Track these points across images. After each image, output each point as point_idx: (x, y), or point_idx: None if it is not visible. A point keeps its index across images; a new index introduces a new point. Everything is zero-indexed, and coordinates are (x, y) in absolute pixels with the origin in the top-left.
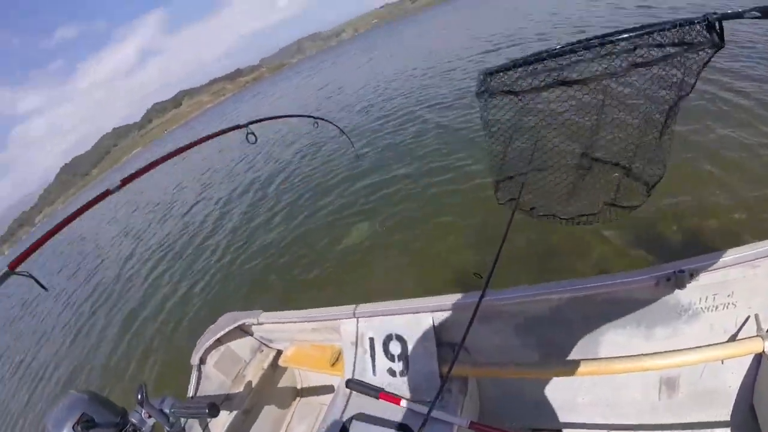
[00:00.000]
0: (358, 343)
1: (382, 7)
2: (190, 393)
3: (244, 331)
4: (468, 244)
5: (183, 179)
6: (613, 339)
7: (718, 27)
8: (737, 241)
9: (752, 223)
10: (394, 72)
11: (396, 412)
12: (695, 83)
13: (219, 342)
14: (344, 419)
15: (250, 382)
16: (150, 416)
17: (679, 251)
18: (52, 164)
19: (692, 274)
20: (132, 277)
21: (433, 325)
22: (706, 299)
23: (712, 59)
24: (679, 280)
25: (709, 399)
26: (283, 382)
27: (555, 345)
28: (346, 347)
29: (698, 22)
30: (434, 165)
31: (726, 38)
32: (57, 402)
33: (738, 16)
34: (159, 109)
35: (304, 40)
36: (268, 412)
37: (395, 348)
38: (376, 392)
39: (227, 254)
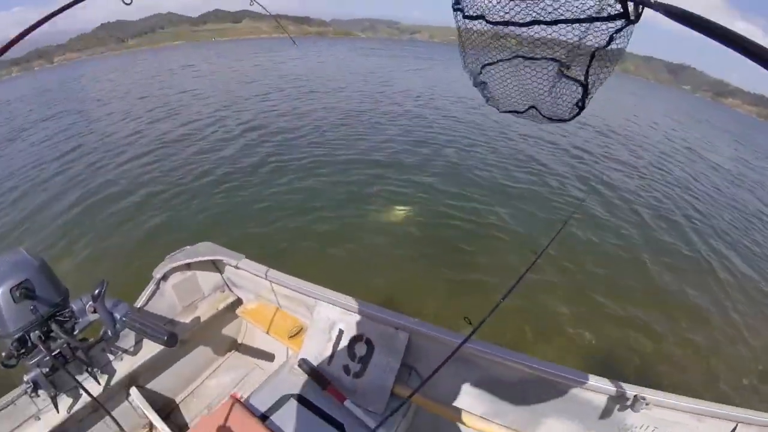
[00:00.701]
0: (326, 328)
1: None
2: (139, 304)
3: (216, 266)
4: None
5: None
6: (553, 425)
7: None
8: (699, 389)
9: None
10: (443, 90)
11: (335, 409)
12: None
13: (187, 267)
14: (283, 393)
15: (198, 317)
16: (95, 311)
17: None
18: (97, 18)
19: (648, 404)
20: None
21: (406, 345)
22: (647, 428)
23: None
24: (636, 405)
25: None
26: (228, 330)
27: (501, 408)
28: (313, 327)
29: None
30: None
31: None
32: (3, 255)
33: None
34: (219, 16)
35: (380, 21)
36: (202, 351)
37: (360, 349)
38: (325, 383)
39: (247, 187)
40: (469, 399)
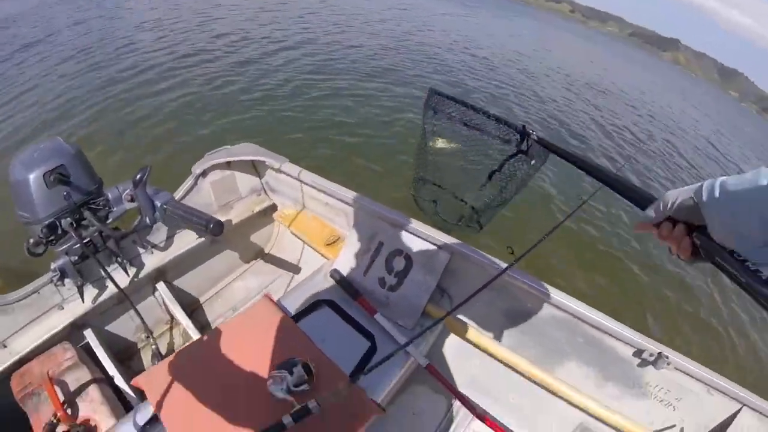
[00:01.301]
0: (366, 239)
1: None
2: (176, 197)
3: (256, 168)
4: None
5: None
6: (572, 368)
7: (528, 140)
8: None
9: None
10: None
11: (365, 320)
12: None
13: (227, 165)
14: (313, 299)
15: (232, 218)
16: (132, 200)
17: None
18: None
19: (669, 364)
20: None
21: (445, 266)
22: (660, 389)
23: None
24: (658, 363)
25: None
26: (260, 234)
27: (526, 341)
28: (352, 237)
29: (517, 130)
30: None
31: None
32: (38, 143)
33: (545, 146)
34: None
35: None
36: (232, 252)
37: (398, 264)
38: (357, 294)
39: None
40: (496, 328)
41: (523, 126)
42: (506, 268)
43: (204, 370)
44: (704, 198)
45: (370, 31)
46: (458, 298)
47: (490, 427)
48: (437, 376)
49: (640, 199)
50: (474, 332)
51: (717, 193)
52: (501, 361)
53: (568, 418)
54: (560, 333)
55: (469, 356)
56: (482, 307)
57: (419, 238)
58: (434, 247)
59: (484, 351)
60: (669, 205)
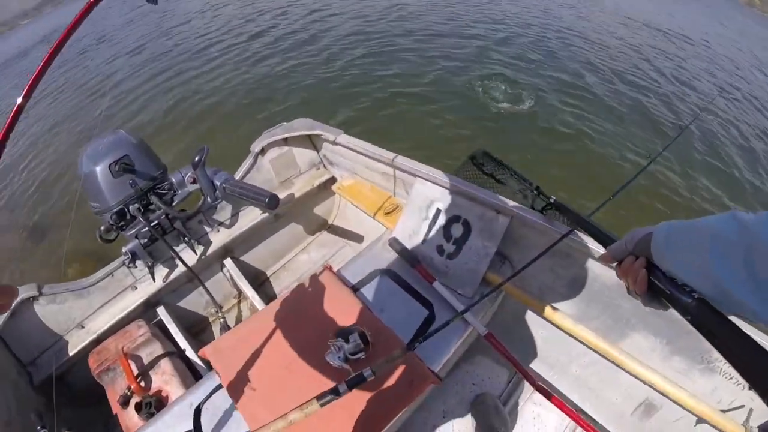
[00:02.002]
0: (423, 206)
1: None
2: (237, 177)
3: (312, 142)
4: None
5: None
6: (638, 339)
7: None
8: None
9: None
10: None
11: (424, 288)
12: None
13: (285, 141)
14: (374, 267)
15: (293, 193)
16: (194, 182)
17: None
18: None
19: None
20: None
21: (505, 231)
22: (730, 366)
23: None
24: None
25: None
26: (322, 207)
27: (590, 311)
28: (410, 206)
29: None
30: None
31: None
32: (102, 135)
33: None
34: None
35: None
36: (295, 226)
37: (456, 230)
38: (415, 261)
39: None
40: (559, 297)
41: (537, 186)
42: (568, 233)
43: (265, 340)
44: (656, 236)
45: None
46: (520, 264)
47: (552, 401)
48: (497, 346)
49: (606, 240)
50: (536, 301)
51: (661, 237)
52: (564, 331)
53: (633, 393)
54: (627, 303)
55: (532, 326)
56: (545, 274)
57: (477, 203)
58: (493, 212)
59: (547, 320)
60: (631, 239)
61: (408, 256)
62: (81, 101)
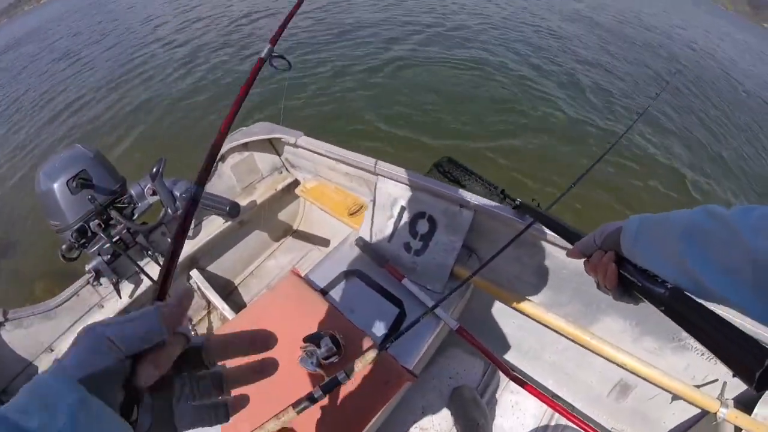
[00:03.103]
0: (388, 205)
1: None
2: None
3: (273, 145)
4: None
5: None
6: (608, 323)
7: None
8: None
9: None
10: None
11: (393, 286)
12: None
13: (245, 147)
14: (342, 269)
15: (256, 198)
16: (154, 193)
17: None
18: None
19: None
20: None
21: (470, 224)
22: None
23: None
24: None
25: (642, 421)
26: (286, 211)
27: (559, 298)
28: (375, 205)
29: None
30: None
31: None
32: (58, 152)
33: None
34: None
35: None
36: (261, 232)
37: (422, 227)
38: (383, 260)
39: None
40: (528, 287)
41: (503, 190)
42: (532, 222)
43: None
44: (626, 228)
45: None
46: (487, 256)
47: (527, 389)
48: (469, 338)
49: (573, 236)
50: (505, 292)
51: (632, 229)
52: (535, 320)
53: (607, 375)
54: (595, 288)
55: (502, 316)
56: (513, 265)
57: (440, 198)
58: (456, 207)
59: (517, 310)
60: (600, 234)
61: (375, 256)
62: (43, 117)
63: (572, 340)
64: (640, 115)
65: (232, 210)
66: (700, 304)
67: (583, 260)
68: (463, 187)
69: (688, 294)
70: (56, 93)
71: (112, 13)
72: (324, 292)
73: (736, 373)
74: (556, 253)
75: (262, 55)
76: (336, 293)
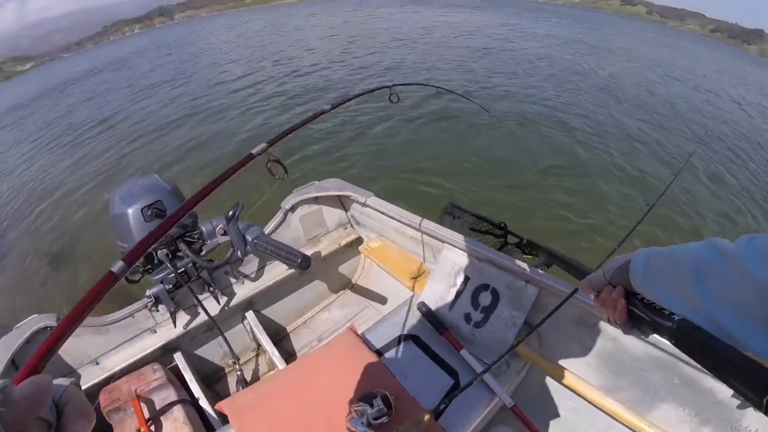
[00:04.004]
0: (451, 273)
1: None
2: (266, 231)
3: (342, 202)
4: None
5: None
6: (667, 410)
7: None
8: None
9: None
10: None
11: (450, 356)
12: None
13: (315, 200)
14: (400, 332)
15: (320, 251)
16: (225, 233)
17: None
18: None
19: None
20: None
21: (533, 301)
22: None
23: None
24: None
25: None
26: (347, 266)
27: (618, 383)
28: (438, 271)
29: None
30: None
31: None
32: (136, 179)
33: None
34: None
35: None
36: (319, 284)
37: (484, 299)
38: (443, 328)
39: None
40: (587, 369)
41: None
42: (575, 290)
43: (286, 400)
44: (634, 263)
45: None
46: (548, 335)
47: None
48: (522, 417)
49: (583, 272)
50: (564, 372)
51: (640, 265)
52: (592, 404)
53: None
54: (656, 374)
55: (558, 397)
56: (573, 344)
57: (506, 271)
58: (522, 282)
59: (575, 392)
60: (609, 269)
61: (435, 323)
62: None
63: (628, 427)
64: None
65: (303, 263)
66: (708, 334)
67: (593, 296)
68: (473, 230)
69: (696, 325)
70: (137, 120)
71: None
72: (379, 354)
73: (746, 400)
74: (618, 335)
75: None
76: (391, 356)
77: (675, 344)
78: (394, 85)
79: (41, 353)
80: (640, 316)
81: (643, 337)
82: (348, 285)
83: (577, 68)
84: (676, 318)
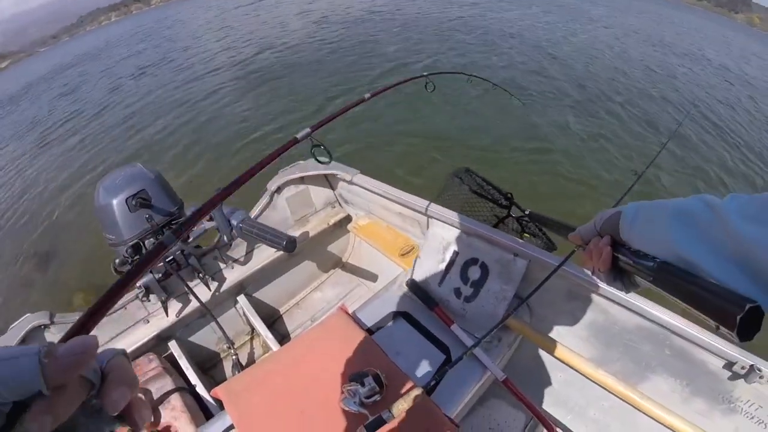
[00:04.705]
0: (440, 248)
1: None
2: (252, 215)
3: (328, 181)
4: None
5: None
6: (658, 382)
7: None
8: None
9: None
10: None
11: (441, 331)
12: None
13: (301, 180)
14: (390, 309)
15: (308, 231)
16: (210, 219)
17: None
18: None
19: (762, 377)
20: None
21: (523, 274)
22: (751, 405)
23: None
24: (750, 376)
25: None
26: (336, 245)
27: (609, 355)
28: (427, 247)
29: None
30: None
31: None
32: (119, 169)
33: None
34: None
35: None
36: (309, 264)
37: (473, 273)
38: (433, 303)
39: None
40: (579, 341)
41: (510, 195)
42: (568, 256)
43: (280, 382)
44: (624, 212)
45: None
46: (539, 308)
47: None
48: (514, 390)
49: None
50: (556, 344)
51: (630, 213)
52: (583, 375)
53: None
54: (647, 345)
55: (550, 369)
56: (565, 317)
57: (495, 245)
58: (511, 256)
59: (566, 364)
60: (600, 219)
61: (425, 298)
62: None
63: (620, 398)
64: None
65: (288, 245)
66: (686, 271)
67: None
68: (475, 192)
69: (675, 265)
70: (117, 112)
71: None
72: (371, 332)
73: (720, 323)
74: (609, 308)
75: (298, 136)
76: (383, 333)
77: (654, 282)
78: (431, 74)
79: (92, 311)
80: (623, 260)
81: (624, 291)
82: (339, 264)
83: (549, 36)
84: (658, 260)
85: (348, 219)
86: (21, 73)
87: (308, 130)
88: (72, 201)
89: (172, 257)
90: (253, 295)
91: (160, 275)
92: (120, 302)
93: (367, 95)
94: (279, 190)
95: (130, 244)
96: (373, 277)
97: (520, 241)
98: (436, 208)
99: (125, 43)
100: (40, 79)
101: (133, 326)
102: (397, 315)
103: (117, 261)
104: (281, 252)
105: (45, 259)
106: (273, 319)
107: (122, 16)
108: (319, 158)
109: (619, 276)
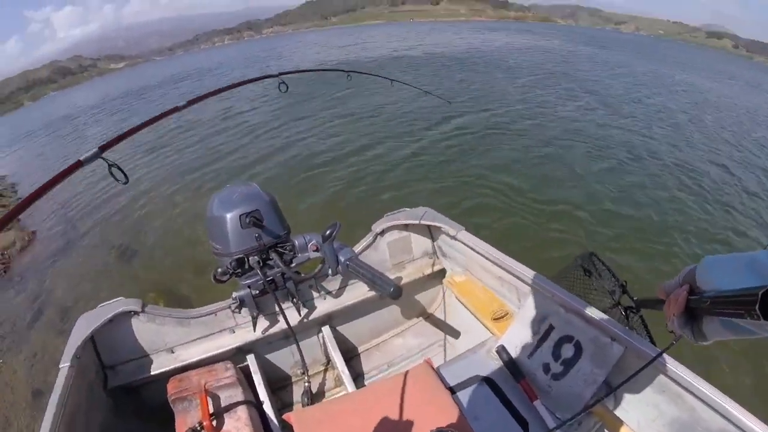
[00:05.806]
0: (536, 320)
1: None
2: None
3: (431, 231)
4: None
5: None
6: None
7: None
8: None
9: None
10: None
11: (523, 405)
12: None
13: (405, 227)
14: (475, 373)
15: (402, 276)
16: (317, 250)
17: None
18: None
19: None
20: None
21: (617, 359)
22: None
23: None
24: None
25: None
26: (426, 295)
27: None
28: (522, 316)
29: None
30: None
31: None
32: (236, 186)
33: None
34: None
35: (582, 8)
36: (397, 309)
37: (566, 351)
38: (520, 375)
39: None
40: None
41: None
42: (660, 353)
43: (355, 424)
44: (703, 262)
45: None
46: (624, 396)
47: None
48: None
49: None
50: None
51: (707, 261)
52: None
53: None
54: None
55: None
56: (649, 409)
57: (593, 326)
58: (608, 339)
59: None
60: (682, 275)
61: (513, 369)
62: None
63: None
64: None
65: (394, 293)
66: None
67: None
68: (586, 272)
69: None
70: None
71: None
72: (452, 391)
73: None
74: (696, 406)
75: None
76: (464, 395)
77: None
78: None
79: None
80: (696, 301)
81: (692, 340)
82: (424, 314)
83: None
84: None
85: (443, 272)
86: (136, 75)
87: (96, 150)
88: (181, 210)
89: (272, 277)
90: (337, 328)
91: (257, 292)
92: (212, 307)
93: (181, 104)
94: (383, 233)
95: (236, 257)
96: (458, 335)
97: (620, 325)
98: (538, 278)
99: (238, 65)
100: (156, 84)
101: (218, 332)
102: (481, 379)
103: (219, 270)
104: (373, 292)
105: (131, 254)
106: (351, 356)
107: (234, 41)
108: (117, 179)
109: (690, 323)
